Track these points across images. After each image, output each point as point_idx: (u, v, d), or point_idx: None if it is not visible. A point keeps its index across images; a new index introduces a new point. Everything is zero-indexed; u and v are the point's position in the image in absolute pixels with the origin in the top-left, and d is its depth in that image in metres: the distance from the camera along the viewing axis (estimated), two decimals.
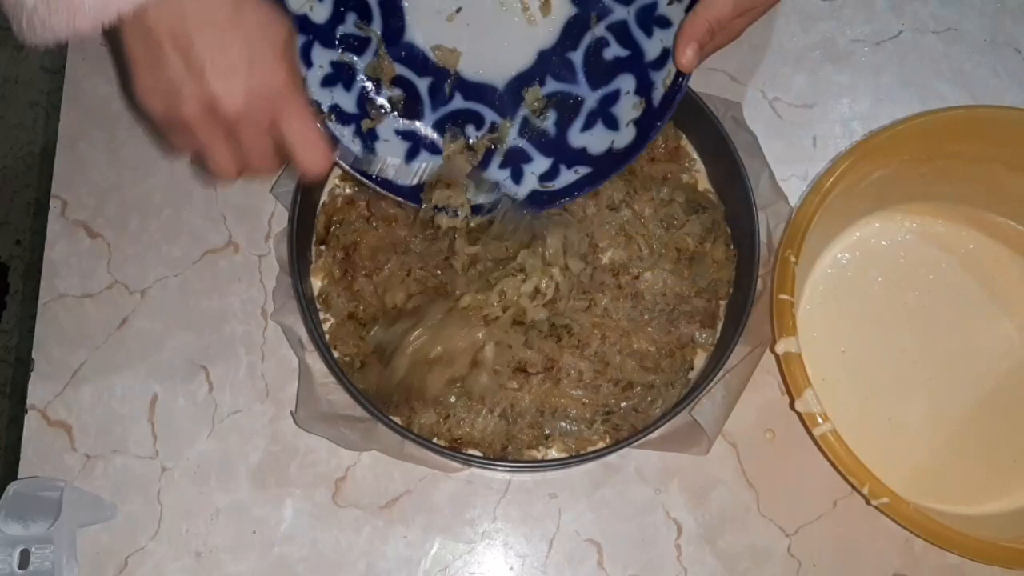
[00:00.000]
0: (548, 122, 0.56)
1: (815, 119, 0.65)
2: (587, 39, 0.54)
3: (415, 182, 0.54)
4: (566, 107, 0.55)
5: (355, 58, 0.54)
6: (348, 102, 0.55)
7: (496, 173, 0.56)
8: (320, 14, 0.53)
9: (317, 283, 0.58)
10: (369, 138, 0.55)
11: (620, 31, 0.53)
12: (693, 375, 0.57)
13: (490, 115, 0.56)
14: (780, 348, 0.50)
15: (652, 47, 0.52)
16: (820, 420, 0.49)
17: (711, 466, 0.55)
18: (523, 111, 0.56)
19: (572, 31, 0.54)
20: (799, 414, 0.50)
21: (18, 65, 1.38)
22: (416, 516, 0.54)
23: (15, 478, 0.53)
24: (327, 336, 0.56)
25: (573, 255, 0.54)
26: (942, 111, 0.56)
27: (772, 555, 0.54)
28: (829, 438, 0.48)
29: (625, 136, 0.53)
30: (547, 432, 0.54)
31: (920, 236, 0.61)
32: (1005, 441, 0.57)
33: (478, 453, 0.53)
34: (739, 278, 0.58)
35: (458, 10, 0.54)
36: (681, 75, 0.50)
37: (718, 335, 0.57)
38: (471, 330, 0.52)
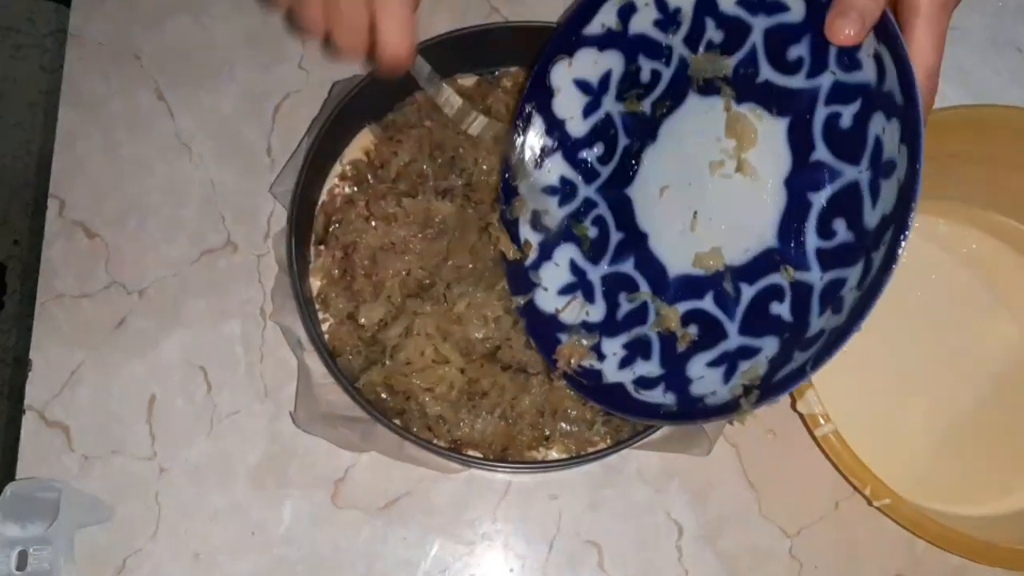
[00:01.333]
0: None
1: None
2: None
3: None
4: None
5: (581, 184, 0.54)
6: (554, 218, 0.54)
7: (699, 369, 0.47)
8: (577, 128, 0.53)
9: (316, 283, 0.57)
10: (544, 254, 0.54)
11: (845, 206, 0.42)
12: None
13: (644, 288, 0.50)
14: None
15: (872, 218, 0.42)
16: (822, 421, 0.48)
17: (712, 467, 0.55)
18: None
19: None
20: (800, 415, 0.50)
21: (17, 65, 1.38)
22: (415, 517, 0.54)
23: (13, 479, 0.53)
24: (326, 336, 0.56)
25: None
26: (942, 111, 0.56)
27: (773, 556, 0.54)
28: (831, 439, 0.48)
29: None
30: (547, 433, 0.53)
31: (921, 236, 0.61)
32: (1008, 442, 0.57)
33: (478, 454, 0.53)
34: None
35: (663, 190, 0.50)
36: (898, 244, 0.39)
37: None
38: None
